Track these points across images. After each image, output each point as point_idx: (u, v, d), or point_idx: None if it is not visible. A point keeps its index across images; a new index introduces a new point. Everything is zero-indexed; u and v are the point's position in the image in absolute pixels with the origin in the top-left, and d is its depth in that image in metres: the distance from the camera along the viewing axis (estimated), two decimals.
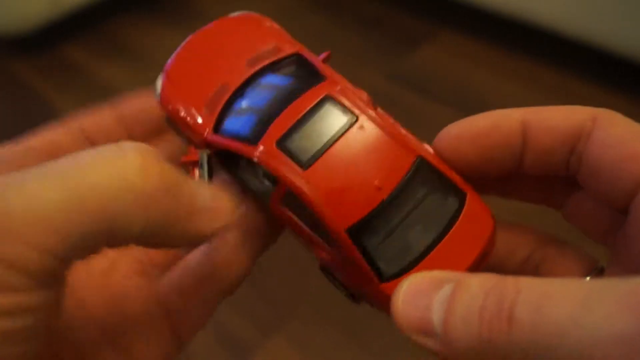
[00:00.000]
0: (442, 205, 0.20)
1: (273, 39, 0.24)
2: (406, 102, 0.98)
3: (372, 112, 0.21)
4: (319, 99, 0.20)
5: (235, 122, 0.21)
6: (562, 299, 0.15)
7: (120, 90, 1.08)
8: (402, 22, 1.18)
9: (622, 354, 0.13)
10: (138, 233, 0.16)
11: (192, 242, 0.19)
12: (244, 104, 0.22)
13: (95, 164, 0.16)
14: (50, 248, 0.15)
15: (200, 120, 0.22)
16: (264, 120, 0.21)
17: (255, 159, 0.20)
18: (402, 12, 1.20)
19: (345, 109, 0.20)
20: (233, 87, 0.22)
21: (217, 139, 0.21)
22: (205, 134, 0.22)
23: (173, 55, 0.24)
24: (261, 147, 0.20)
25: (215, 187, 0.19)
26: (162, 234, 0.17)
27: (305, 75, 0.22)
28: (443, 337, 0.17)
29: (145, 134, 0.25)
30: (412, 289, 0.18)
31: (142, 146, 0.17)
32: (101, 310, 0.22)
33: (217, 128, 0.22)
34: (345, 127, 0.20)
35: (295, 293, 0.75)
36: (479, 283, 0.17)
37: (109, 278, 0.23)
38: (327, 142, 0.20)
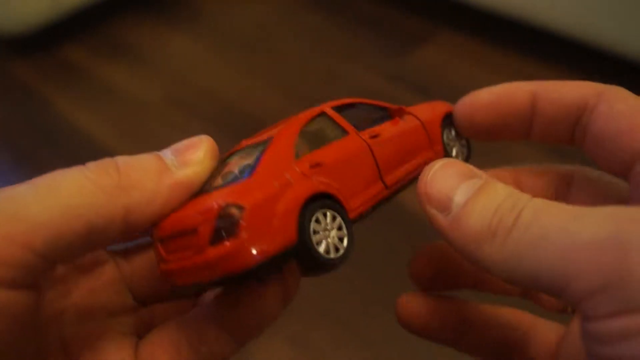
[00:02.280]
0: None
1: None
2: (406, 102, 0.98)
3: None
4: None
5: None
6: (559, 212, 0.17)
7: (119, 90, 1.08)
8: (402, 22, 1.18)
9: (596, 254, 0.15)
10: (120, 221, 0.19)
11: (178, 193, 0.20)
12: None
13: (73, 182, 0.18)
14: (33, 246, 0.17)
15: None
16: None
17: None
18: (402, 12, 1.20)
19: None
20: None
21: None
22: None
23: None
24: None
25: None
26: (148, 208, 0.19)
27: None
28: (456, 216, 0.19)
29: None
30: (444, 169, 0.20)
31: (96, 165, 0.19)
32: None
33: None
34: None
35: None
36: (503, 187, 0.19)
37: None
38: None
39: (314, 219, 0.19)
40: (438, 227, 0.19)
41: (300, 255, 0.19)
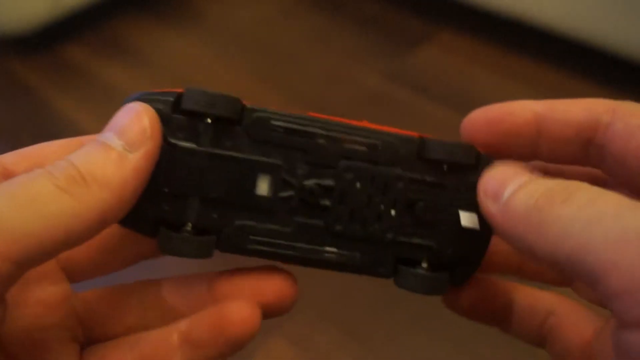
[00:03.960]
0: None
1: None
2: (406, 102, 0.98)
3: None
4: None
5: None
6: (618, 200, 0.17)
7: (120, 91, 1.08)
8: (402, 22, 1.18)
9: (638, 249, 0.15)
10: (97, 224, 0.19)
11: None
12: None
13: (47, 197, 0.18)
14: (11, 257, 0.17)
15: None
16: None
17: None
18: (402, 12, 1.20)
19: None
20: None
21: None
22: None
23: None
24: None
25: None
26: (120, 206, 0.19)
27: None
28: (505, 202, 0.19)
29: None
30: (504, 165, 0.21)
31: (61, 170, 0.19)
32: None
33: None
34: None
35: None
36: (557, 179, 0.19)
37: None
38: None
39: None
40: (489, 215, 0.20)
41: None
